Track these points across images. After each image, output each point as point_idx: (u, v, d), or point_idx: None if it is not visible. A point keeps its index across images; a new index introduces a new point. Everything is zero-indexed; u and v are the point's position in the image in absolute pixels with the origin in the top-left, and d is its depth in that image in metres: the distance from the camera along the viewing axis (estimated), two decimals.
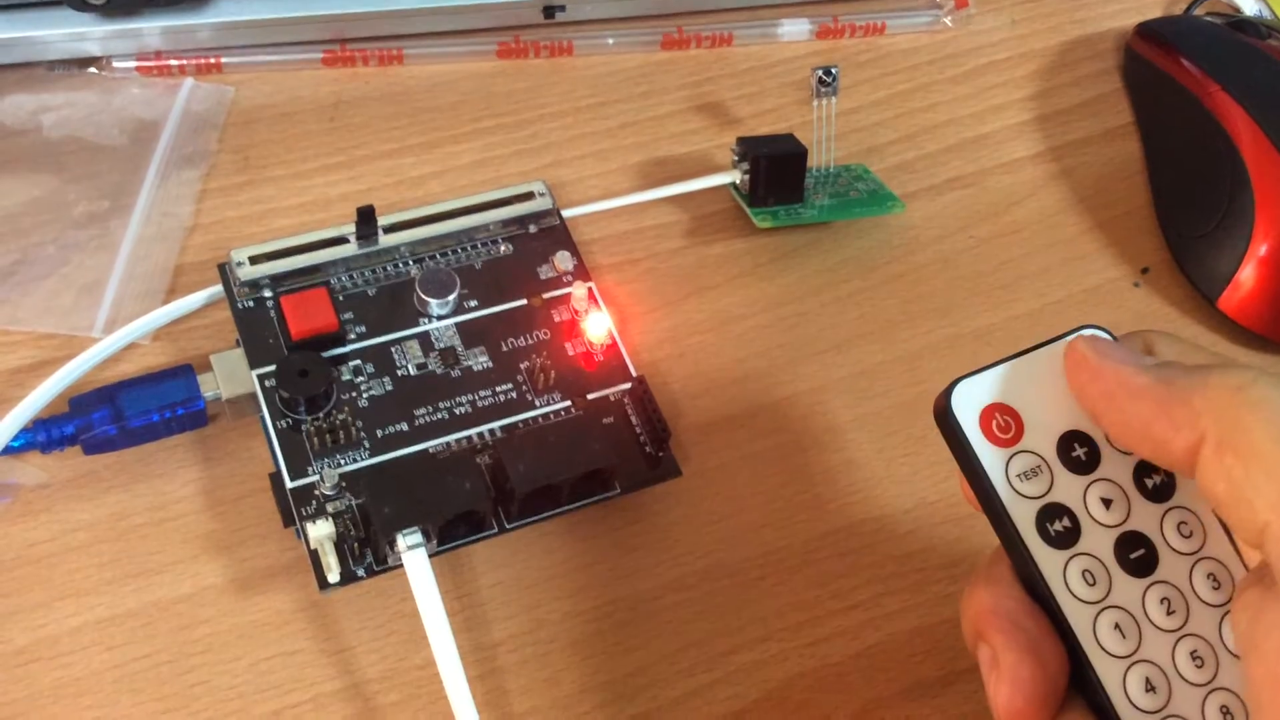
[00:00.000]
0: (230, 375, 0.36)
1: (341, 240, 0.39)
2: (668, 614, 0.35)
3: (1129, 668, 0.25)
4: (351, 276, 0.38)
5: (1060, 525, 0.26)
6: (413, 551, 0.32)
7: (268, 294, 0.37)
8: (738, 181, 0.44)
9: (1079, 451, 0.27)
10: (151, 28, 0.47)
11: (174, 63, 0.47)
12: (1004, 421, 0.27)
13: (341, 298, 0.38)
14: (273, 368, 0.36)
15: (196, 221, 0.43)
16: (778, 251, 0.44)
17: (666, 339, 0.41)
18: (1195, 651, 0.25)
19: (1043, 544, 0.26)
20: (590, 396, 0.37)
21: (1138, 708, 0.25)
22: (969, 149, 0.48)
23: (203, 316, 0.40)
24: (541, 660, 0.34)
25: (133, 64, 0.47)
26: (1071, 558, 0.26)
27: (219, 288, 0.39)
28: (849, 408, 0.40)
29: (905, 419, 0.40)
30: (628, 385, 0.37)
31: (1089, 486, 0.26)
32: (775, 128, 0.48)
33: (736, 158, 0.44)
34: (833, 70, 0.44)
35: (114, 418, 0.35)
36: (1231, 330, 0.43)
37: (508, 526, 0.34)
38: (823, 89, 0.44)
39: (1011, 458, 0.26)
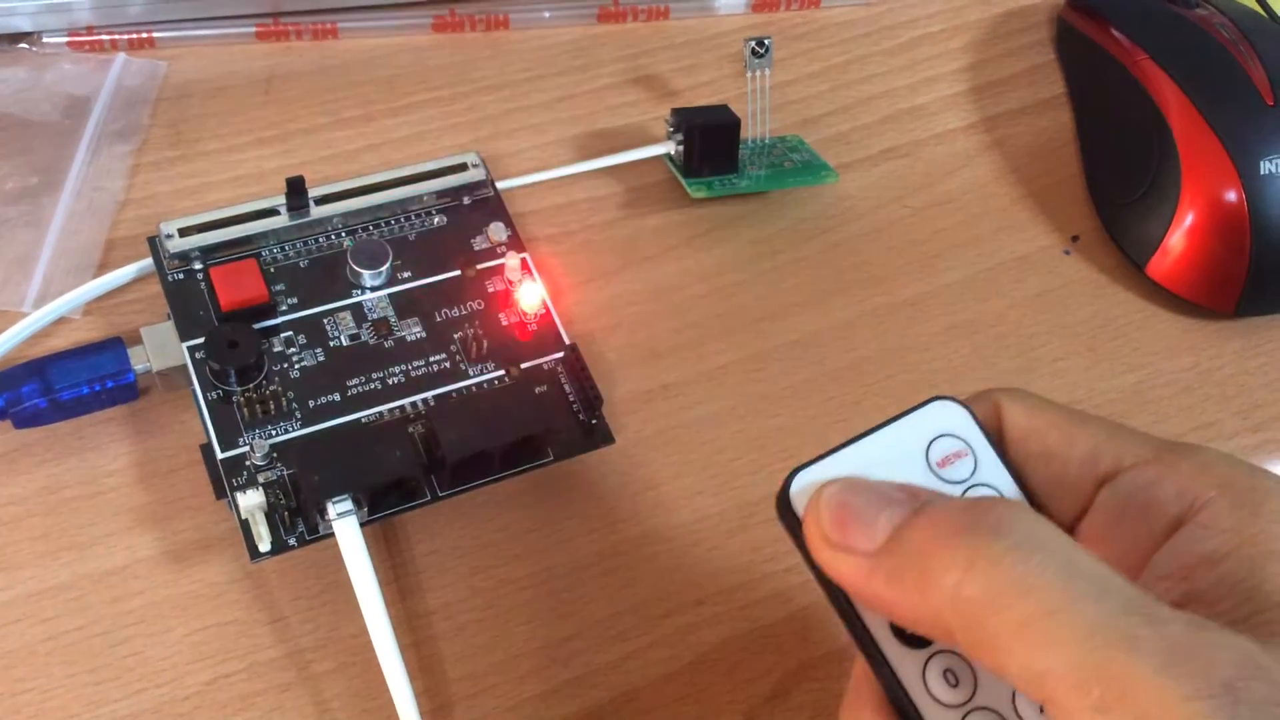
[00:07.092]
0: (161, 348, 0.36)
1: (272, 212, 0.38)
2: (602, 580, 0.36)
3: None
4: (283, 248, 0.38)
5: None
6: (343, 519, 0.32)
7: (197, 266, 0.37)
8: (672, 153, 0.44)
9: None
10: (83, 2, 0.46)
11: (106, 38, 0.47)
12: None
13: (273, 269, 0.38)
14: (203, 339, 0.36)
15: (128, 196, 0.42)
16: (713, 222, 0.44)
17: (602, 310, 0.41)
18: None
19: (898, 645, 0.23)
20: (524, 366, 0.37)
21: None
22: (903, 120, 0.49)
23: (134, 290, 0.40)
24: (476, 627, 0.34)
25: (64, 39, 0.47)
26: (931, 657, 0.23)
27: (149, 261, 0.39)
28: (784, 375, 0.41)
29: (839, 386, 0.40)
30: (560, 354, 0.37)
31: None
32: (711, 100, 0.48)
33: (671, 129, 0.44)
34: (765, 41, 0.44)
35: (44, 391, 0.35)
36: (1160, 296, 0.44)
37: (441, 495, 0.35)
38: (756, 60, 0.44)
39: None
